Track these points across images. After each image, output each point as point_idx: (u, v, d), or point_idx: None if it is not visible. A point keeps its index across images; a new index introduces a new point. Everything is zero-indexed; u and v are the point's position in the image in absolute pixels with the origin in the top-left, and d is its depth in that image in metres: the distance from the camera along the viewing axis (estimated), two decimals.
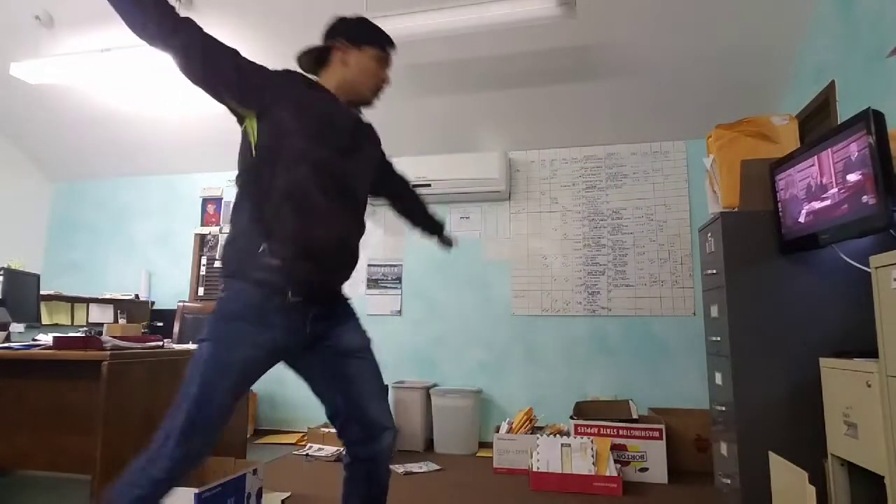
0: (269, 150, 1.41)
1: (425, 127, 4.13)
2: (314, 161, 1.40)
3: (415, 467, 3.38)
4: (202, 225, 5.03)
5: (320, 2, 3.36)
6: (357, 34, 1.59)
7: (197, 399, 1.28)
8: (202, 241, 5.03)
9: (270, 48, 3.75)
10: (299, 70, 1.61)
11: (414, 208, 1.89)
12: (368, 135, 1.63)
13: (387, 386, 3.89)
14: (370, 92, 1.59)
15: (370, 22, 1.61)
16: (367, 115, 1.69)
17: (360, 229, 1.54)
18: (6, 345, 2.34)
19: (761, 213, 2.31)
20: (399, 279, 4.44)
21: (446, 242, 1.95)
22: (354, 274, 1.56)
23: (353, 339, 1.54)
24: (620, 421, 3.25)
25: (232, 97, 1.41)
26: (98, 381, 1.96)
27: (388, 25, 3.02)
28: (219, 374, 1.30)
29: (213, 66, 1.40)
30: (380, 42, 1.59)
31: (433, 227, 1.92)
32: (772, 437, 2.15)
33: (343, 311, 1.55)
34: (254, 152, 1.43)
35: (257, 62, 1.48)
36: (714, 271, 2.45)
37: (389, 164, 1.78)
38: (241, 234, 1.41)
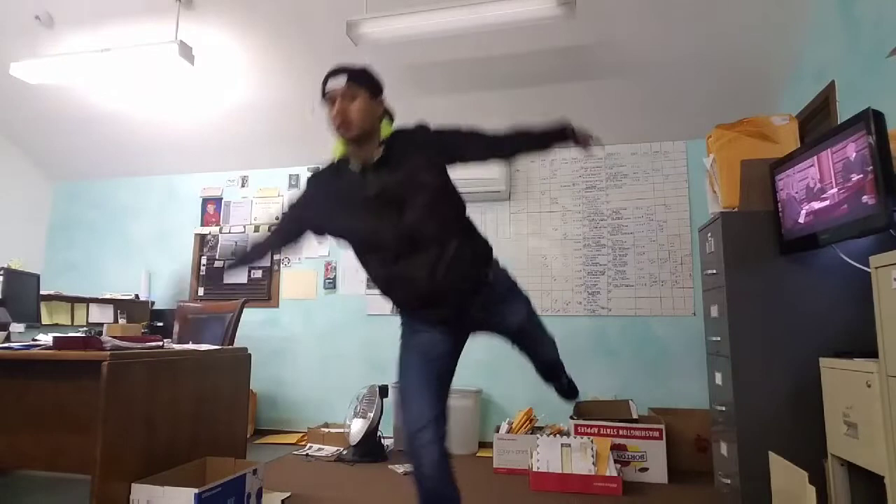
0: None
1: None
2: (358, 247, 1.67)
3: None
4: (202, 225, 5.03)
5: (320, 2, 3.37)
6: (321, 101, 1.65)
7: None
8: (202, 241, 5.03)
9: (270, 48, 3.76)
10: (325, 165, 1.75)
11: (522, 146, 1.79)
12: (397, 164, 1.60)
13: (385, 387, 3.90)
14: (337, 133, 1.60)
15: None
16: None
17: (443, 251, 1.58)
18: (6, 345, 2.34)
19: (761, 213, 2.31)
20: None
21: (582, 142, 1.80)
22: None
23: (505, 321, 1.84)
24: (620, 421, 3.25)
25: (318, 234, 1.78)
26: (98, 381, 1.95)
27: (387, 25, 3.03)
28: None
29: (299, 240, 1.79)
30: (322, 90, 1.61)
31: (556, 137, 1.79)
32: (772, 437, 2.15)
33: (487, 302, 1.74)
34: None
35: (297, 199, 1.77)
36: (714, 271, 2.45)
37: (458, 143, 1.70)
38: None
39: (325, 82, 1.60)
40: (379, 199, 1.57)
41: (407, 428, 1.58)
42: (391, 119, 1.69)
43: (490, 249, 1.74)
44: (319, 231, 1.74)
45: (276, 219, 1.80)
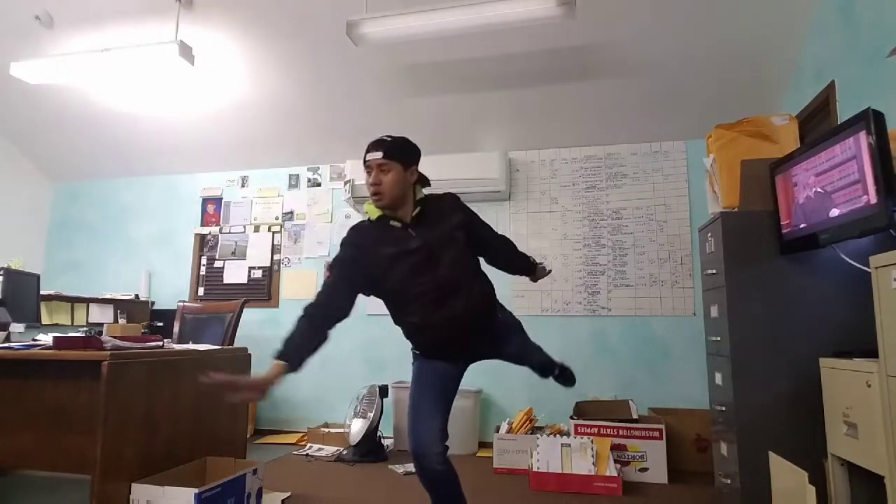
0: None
1: (425, 127, 4.13)
2: (405, 295, 1.86)
3: None
4: (202, 225, 5.03)
5: (320, 2, 3.37)
6: None
7: None
8: (202, 241, 5.03)
9: (270, 48, 3.76)
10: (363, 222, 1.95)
11: (509, 263, 2.23)
12: (430, 223, 1.87)
13: (385, 387, 3.90)
14: (372, 201, 1.84)
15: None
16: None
17: (467, 301, 1.85)
18: (6, 345, 2.34)
19: (761, 213, 2.31)
20: None
21: (538, 275, 2.31)
22: None
23: (506, 349, 2.14)
24: (620, 421, 3.25)
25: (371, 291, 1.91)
26: (98, 381, 1.95)
27: (387, 25, 3.02)
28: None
29: (351, 299, 1.82)
30: (364, 158, 1.85)
31: (529, 270, 2.27)
32: (772, 437, 2.15)
33: (493, 338, 2.03)
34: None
35: (345, 246, 1.88)
36: (714, 271, 2.45)
37: (476, 231, 2.00)
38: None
39: (366, 152, 1.84)
40: (420, 252, 1.81)
41: (417, 444, 1.78)
42: (425, 183, 1.95)
43: (492, 287, 2.00)
44: (369, 286, 1.86)
45: (321, 290, 1.80)
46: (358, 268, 1.82)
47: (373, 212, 1.87)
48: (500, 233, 2.15)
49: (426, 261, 1.81)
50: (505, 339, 2.09)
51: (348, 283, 1.80)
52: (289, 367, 1.64)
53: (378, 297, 1.91)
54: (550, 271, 2.40)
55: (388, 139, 1.84)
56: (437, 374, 1.89)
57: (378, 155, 1.79)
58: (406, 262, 1.80)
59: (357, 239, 1.86)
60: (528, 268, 2.26)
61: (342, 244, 1.87)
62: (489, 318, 1.97)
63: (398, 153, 1.82)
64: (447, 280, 1.82)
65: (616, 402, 3.64)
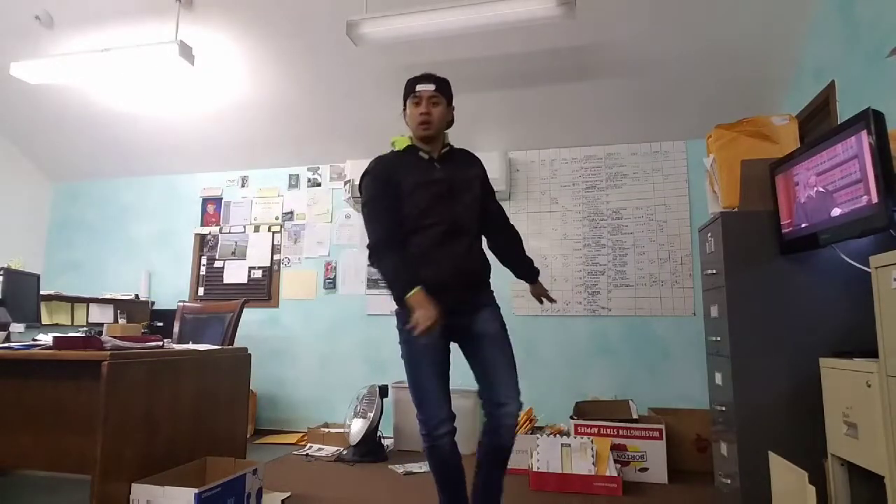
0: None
1: None
2: (421, 216, 1.88)
3: (415, 467, 3.38)
4: (202, 225, 5.03)
5: (320, 2, 3.37)
6: (403, 96, 1.98)
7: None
8: (202, 241, 5.03)
9: (270, 48, 3.76)
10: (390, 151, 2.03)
11: (508, 249, 2.18)
12: (456, 164, 1.98)
13: (385, 387, 3.89)
14: (419, 130, 1.92)
15: (409, 79, 1.96)
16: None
17: (470, 249, 1.92)
18: (6, 345, 2.34)
19: (761, 213, 2.31)
20: None
21: (541, 294, 2.26)
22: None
23: (484, 326, 1.94)
24: (620, 421, 3.25)
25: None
26: (98, 381, 1.95)
27: (387, 25, 3.03)
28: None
29: (399, 220, 1.89)
30: (409, 90, 1.94)
31: (527, 274, 2.22)
32: (772, 437, 2.15)
33: (479, 304, 1.95)
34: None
35: (375, 179, 1.92)
36: (714, 271, 2.45)
37: (487, 194, 2.07)
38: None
39: (413, 84, 1.93)
40: (442, 184, 1.90)
41: (426, 424, 1.86)
42: (450, 125, 2.05)
43: (489, 264, 2.03)
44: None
45: (374, 214, 1.88)
46: (391, 192, 1.87)
47: (401, 143, 1.98)
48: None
49: (446, 194, 1.89)
50: (489, 309, 1.98)
51: (390, 206, 1.87)
52: (422, 287, 1.76)
53: None
54: (552, 300, 2.30)
55: (436, 75, 1.95)
56: (429, 352, 1.87)
57: (431, 87, 1.90)
58: (428, 190, 1.88)
59: (383, 170, 1.92)
60: (527, 267, 2.21)
61: (369, 176, 1.91)
62: (482, 277, 1.99)
63: (447, 89, 1.96)
64: (460, 218, 1.90)
65: (616, 402, 3.64)
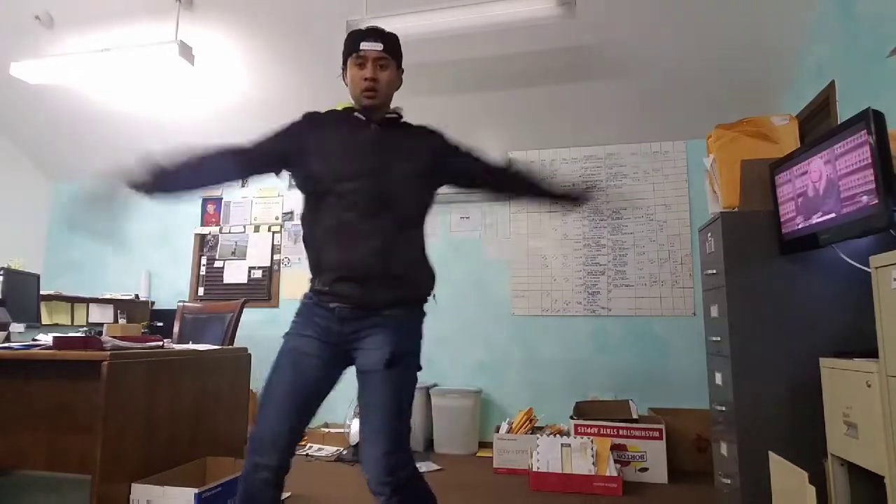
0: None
1: None
2: (332, 181, 1.49)
3: None
4: (202, 225, 5.03)
5: (320, 2, 3.37)
6: (344, 52, 1.60)
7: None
8: (202, 241, 5.03)
9: (270, 48, 3.76)
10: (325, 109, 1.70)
11: (515, 186, 1.75)
12: (398, 132, 1.59)
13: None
14: (362, 98, 1.55)
15: (351, 32, 1.59)
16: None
17: (392, 240, 1.48)
18: (6, 345, 2.34)
19: (761, 213, 2.31)
20: None
21: (579, 199, 1.76)
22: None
23: (369, 355, 1.47)
24: (620, 421, 3.25)
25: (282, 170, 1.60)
26: (98, 381, 1.95)
27: (387, 25, 3.01)
28: None
29: (253, 170, 1.59)
30: (352, 47, 1.56)
31: (553, 194, 1.74)
32: (772, 437, 2.15)
33: (375, 326, 1.48)
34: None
35: (283, 127, 1.60)
36: (714, 271, 2.45)
37: (455, 153, 1.65)
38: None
39: (357, 40, 1.54)
40: (370, 142, 1.53)
41: (252, 449, 1.44)
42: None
43: (433, 275, 1.59)
44: (295, 162, 1.55)
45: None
46: (288, 142, 1.54)
47: (341, 105, 1.63)
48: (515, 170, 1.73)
49: (373, 153, 1.51)
50: (394, 337, 1.48)
51: (259, 145, 1.53)
52: (145, 182, 1.48)
53: (300, 183, 1.57)
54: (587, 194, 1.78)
55: (384, 30, 1.58)
56: (299, 358, 1.48)
57: (378, 47, 1.52)
58: (351, 144, 1.52)
59: (306, 118, 1.61)
60: (549, 192, 1.74)
61: (288, 124, 1.59)
62: (405, 280, 1.51)
63: (397, 48, 1.59)
64: (386, 190, 1.48)
65: (616, 402, 3.64)
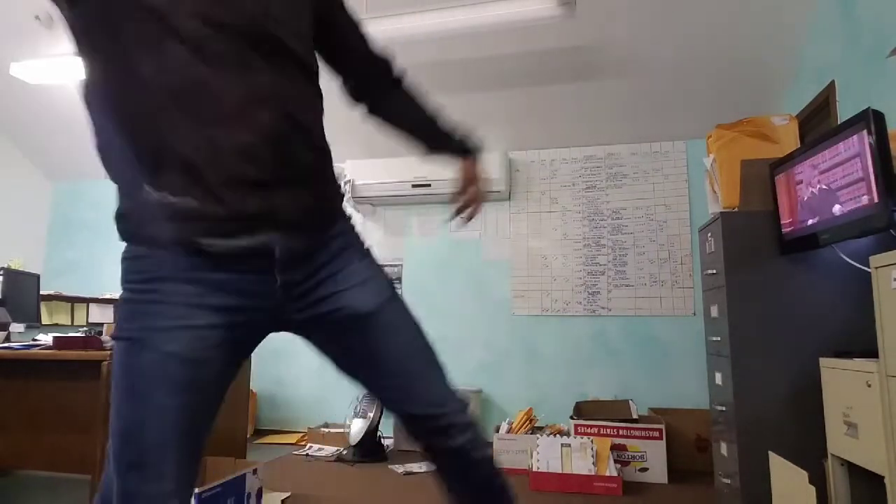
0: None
1: None
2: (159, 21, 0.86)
3: (415, 467, 3.38)
4: None
5: None
6: None
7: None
8: None
9: None
10: None
11: (404, 111, 1.27)
12: None
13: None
14: None
15: None
16: None
17: (298, 100, 0.98)
18: (6, 345, 2.34)
19: (761, 213, 2.31)
20: (399, 279, 4.44)
21: (462, 150, 1.27)
22: None
23: (355, 294, 0.99)
24: (620, 421, 3.25)
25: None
26: (98, 381, 1.95)
27: (387, 25, 3.02)
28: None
29: None
30: None
31: (444, 141, 1.26)
32: (772, 437, 2.15)
33: (337, 250, 0.99)
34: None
35: None
36: (714, 271, 2.45)
37: (341, 7, 1.15)
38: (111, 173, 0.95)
39: None
40: None
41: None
42: None
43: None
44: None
45: None
46: None
47: None
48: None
49: None
50: (358, 266, 1.02)
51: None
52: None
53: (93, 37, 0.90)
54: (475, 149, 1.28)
55: None
56: (199, 373, 0.90)
57: None
58: None
59: None
60: (443, 129, 1.27)
61: None
62: (331, 197, 1.06)
63: None
64: (265, 21, 0.91)
65: (616, 402, 3.64)
